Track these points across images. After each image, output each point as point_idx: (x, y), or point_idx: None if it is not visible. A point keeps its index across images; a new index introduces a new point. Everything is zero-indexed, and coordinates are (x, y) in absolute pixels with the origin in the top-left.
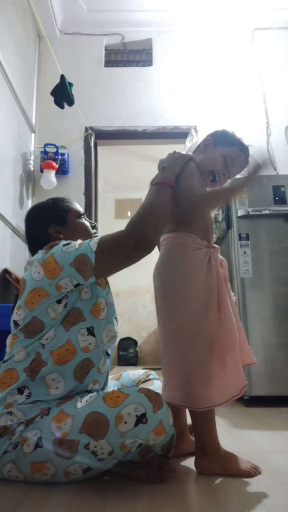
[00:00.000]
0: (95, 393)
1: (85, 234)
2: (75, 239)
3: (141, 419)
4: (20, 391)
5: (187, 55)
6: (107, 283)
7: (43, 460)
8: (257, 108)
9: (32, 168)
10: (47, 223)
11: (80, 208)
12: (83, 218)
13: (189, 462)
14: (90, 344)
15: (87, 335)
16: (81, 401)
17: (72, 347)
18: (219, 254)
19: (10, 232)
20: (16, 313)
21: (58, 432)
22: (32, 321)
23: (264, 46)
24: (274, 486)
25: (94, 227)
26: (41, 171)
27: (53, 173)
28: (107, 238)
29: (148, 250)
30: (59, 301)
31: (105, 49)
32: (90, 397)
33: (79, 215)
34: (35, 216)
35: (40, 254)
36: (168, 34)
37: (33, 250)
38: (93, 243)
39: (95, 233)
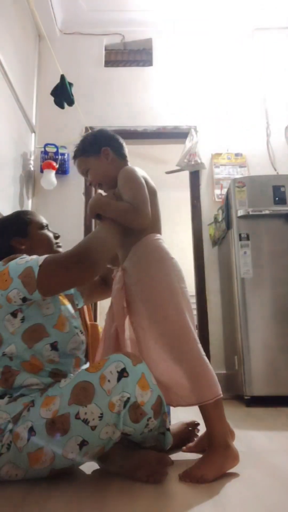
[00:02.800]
0: (76, 372)
1: (47, 244)
2: (38, 250)
3: (122, 373)
4: (1, 397)
5: (187, 55)
6: (72, 303)
7: (39, 446)
8: (257, 108)
9: (32, 168)
10: (9, 236)
11: (43, 220)
12: (46, 230)
13: (189, 462)
14: (54, 357)
15: (51, 350)
16: (64, 380)
17: (38, 361)
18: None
19: None
20: None
21: (48, 414)
22: None
23: (264, 46)
24: (274, 486)
25: (57, 237)
26: (41, 171)
27: (53, 173)
28: (55, 255)
29: (89, 272)
30: (14, 315)
31: (105, 49)
32: (72, 375)
33: (41, 226)
34: (3, 225)
35: None
36: (168, 34)
37: (10, 246)
38: (42, 257)
39: (57, 243)
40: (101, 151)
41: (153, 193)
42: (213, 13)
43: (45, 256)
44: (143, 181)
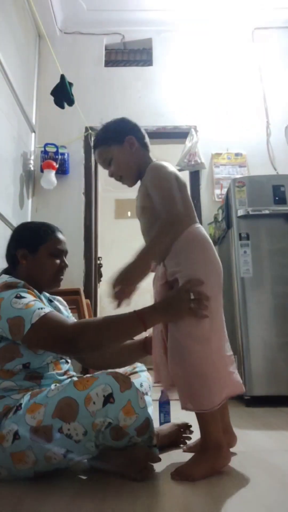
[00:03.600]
0: (67, 380)
1: (48, 274)
2: (36, 273)
3: (108, 398)
4: None
5: (187, 55)
6: None
7: (22, 449)
8: (257, 107)
9: (32, 168)
10: (19, 243)
11: (61, 246)
12: (56, 258)
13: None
14: (27, 372)
15: (23, 368)
16: (53, 390)
17: (9, 371)
18: None
19: (10, 232)
20: None
21: (33, 422)
22: None
23: (264, 46)
24: (274, 486)
25: (63, 268)
26: (41, 171)
27: (53, 173)
28: (52, 318)
29: (77, 352)
30: None
31: (105, 49)
32: (62, 385)
33: (53, 253)
34: (17, 232)
35: (14, 292)
36: (168, 34)
37: (6, 261)
38: (37, 314)
39: (60, 275)
40: (124, 139)
41: (184, 186)
42: (213, 13)
43: (42, 314)
44: (173, 178)
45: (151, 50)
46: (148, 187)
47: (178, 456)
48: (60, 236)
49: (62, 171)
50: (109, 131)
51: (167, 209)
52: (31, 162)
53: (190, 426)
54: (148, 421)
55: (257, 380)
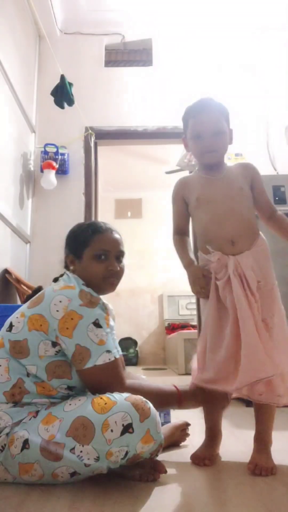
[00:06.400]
0: (84, 396)
1: (95, 278)
2: (85, 279)
3: (127, 428)
4: (6, 401)
5: (187, 55)
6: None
7: (30, 461)
8: (257, 108)
9: (32, 168)
10: (68, 249)
11: (105, 246)
12: (99, 260)
13: (188, 464)
14: (68, 393)
15: (65, 389)
16: (70, 404)
17: (51, 388)
18: None
19: (10, 232)
20: (17, 318)
21: (45, 434)
22: (22, 342)
23: (264, 46)
24: (274, 486)
25: (111, 271)
26: (41, 171)
27: (53, 173)
28: (114, 369)
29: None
30: (54, 344)
31: (105, 49)
32: (79, 400)
33: (95, 255)
34: (66, 236)
35: (73, 297)
36: (168, 34)
37: (65, 261)
38: (104, 358)
39: (111, 280)
40: (230, 130)
41: None
42: (213, 13)
43: (107, 361)
44: None
45: (151, 50)
46: (255, 179)
47: (178, 456)
48: (106, 236)
49: (62, 171)
50: (227, 111)
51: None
52: (31, 162)
53: (189, 424)
54: (161, 445)
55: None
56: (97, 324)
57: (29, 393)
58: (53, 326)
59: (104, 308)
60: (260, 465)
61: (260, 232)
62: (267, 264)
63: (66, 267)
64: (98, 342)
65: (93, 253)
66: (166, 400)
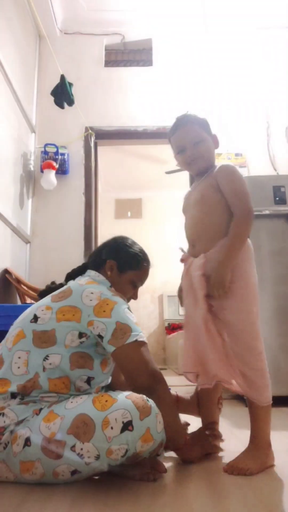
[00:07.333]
0: (85, 395)
1: (122, 294)
2: (114, 288)
3: (127, 426)
4: (13, 396)
5: (187, 55)
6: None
7: (32, 459)
8: (258, 108)
9: (32, 168)
10: (115, 256)
11: (143, 279)
12: (134, 287)
13: (188, 464)
14: (83, 388)
15: (84, 382)
16: (71, 402)
17: (68, 383)
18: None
19: (10, 232)
20: (42, 311)
21: (47, 432)
22: (50, 332)
23: (265, 46)
24: (275, 486)
25: (132, 298)
26: (41, 171)
27: (53, 173)
28: (148, 351)
29: (142, 389)
30: (80, 335)
31: (105, 49)
32: (81, 398)
33: (133, 282)
34: (118, 243)
35: (104, 290)
36: (168, 34)
37: (89, 258)
38: (142, 337)
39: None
40: (212, 134)
41: None
42: (213, 13)
43: (145, 341)
44: (244, 180)
45: (151, 50)
46: (220, 182)
47: (178, 456)
48: (148, 272)
49: (62, 171)
50: (205, 120)
51: (244, 204)
52: (31, 162)
53: (189, 424)
54: (162, 442)
55: None
56: (130, 310)
57: (41, 388)
58: (87, 313)
59: None
60: (234, 464)
61: None
62: (241, 266)
63: (96, 264)
64: (136, 323)
65: (133, 279)
66: (168, 406)
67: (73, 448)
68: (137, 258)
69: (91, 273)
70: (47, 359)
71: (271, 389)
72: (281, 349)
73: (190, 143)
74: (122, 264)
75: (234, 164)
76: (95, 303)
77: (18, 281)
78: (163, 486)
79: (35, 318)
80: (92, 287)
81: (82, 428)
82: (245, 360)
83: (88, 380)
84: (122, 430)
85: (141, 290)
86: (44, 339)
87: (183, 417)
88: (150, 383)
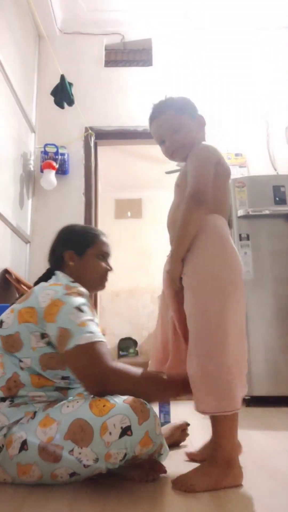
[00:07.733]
0: (82, 399)
1: (95, 275)
2: (83, 275)
3: (126, 431)
4: (3, 400)
5: (187, 55)
6: None
7: (29, 462)
8: (258, 108)
9: (32, 168)
10: (66, 246)
11: (106, 249)
12: (103, 260)
13: (189, 464)
14: (62, 384)
15: (61, 379)
16: (67, 406)
17: (48, 380)
18: None
19: (10, 232)
20: (6, 314)
21: (44, 437)
22: (15, 335)
23: (264, 47)
24: (275, 486)
25: (108, 271)
26: (41, 171)
27: (53, 173)
28: (98, 349)
29: (99, 394)
30: (42, 336)
31: (105, 49)
32: (77, 402)
33: (100, 255)
34: (63, 234)
35: (59, 290)
36: (168, 34)
37: (50, 262)
38: (87, 338)
39: (106, 278)
40: (196, 116)
41: (226, 175)
42: (213, 13)
43: (91, 341)
44: (212, 161)
45: (151, 50)
46: (188, 166)
47: (178, 456)
48: (105, 239)
49: (62, 171)
50: (184, 102)
51: (192, 184)
52: (31, 162)
53: (189, 424)
54: (162, 445)
55: (258, 381)
56: (79, 309)
57: (25, 386)
58: (41, 315)
59: (90, 304)
60: (179, 479)
61: (208, 220)
62: (196, 256)
63: (57, 263)
64: (79, 324)
65: (96, 253)
66: (160, 388)
67: (71, 452)
68: (87, 234)
69: (58, 275)
70: (21, 361)
71: (233, 398)
72: (281, 350)
73: (167, 133)
74: (77, 248)
75: (234, 164)
76: (46, 304)
77: (18, 281)
78: (163, 486)
79: (1, 323)
80: (52, 287)
81: (80, 434)
82: (192, 360)
83: (64, 378)
84: (121, 435)
85: (141, 290)
86: (11, 343)
87: (183, 417)
88: (98, 389)
